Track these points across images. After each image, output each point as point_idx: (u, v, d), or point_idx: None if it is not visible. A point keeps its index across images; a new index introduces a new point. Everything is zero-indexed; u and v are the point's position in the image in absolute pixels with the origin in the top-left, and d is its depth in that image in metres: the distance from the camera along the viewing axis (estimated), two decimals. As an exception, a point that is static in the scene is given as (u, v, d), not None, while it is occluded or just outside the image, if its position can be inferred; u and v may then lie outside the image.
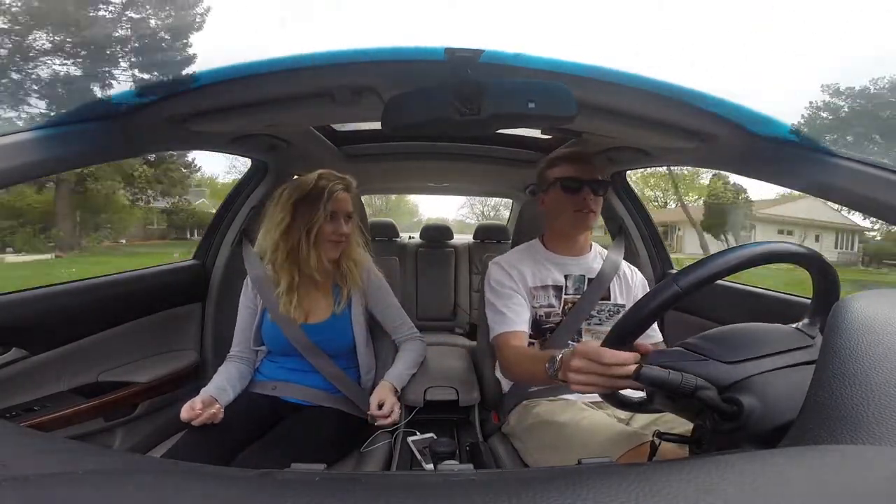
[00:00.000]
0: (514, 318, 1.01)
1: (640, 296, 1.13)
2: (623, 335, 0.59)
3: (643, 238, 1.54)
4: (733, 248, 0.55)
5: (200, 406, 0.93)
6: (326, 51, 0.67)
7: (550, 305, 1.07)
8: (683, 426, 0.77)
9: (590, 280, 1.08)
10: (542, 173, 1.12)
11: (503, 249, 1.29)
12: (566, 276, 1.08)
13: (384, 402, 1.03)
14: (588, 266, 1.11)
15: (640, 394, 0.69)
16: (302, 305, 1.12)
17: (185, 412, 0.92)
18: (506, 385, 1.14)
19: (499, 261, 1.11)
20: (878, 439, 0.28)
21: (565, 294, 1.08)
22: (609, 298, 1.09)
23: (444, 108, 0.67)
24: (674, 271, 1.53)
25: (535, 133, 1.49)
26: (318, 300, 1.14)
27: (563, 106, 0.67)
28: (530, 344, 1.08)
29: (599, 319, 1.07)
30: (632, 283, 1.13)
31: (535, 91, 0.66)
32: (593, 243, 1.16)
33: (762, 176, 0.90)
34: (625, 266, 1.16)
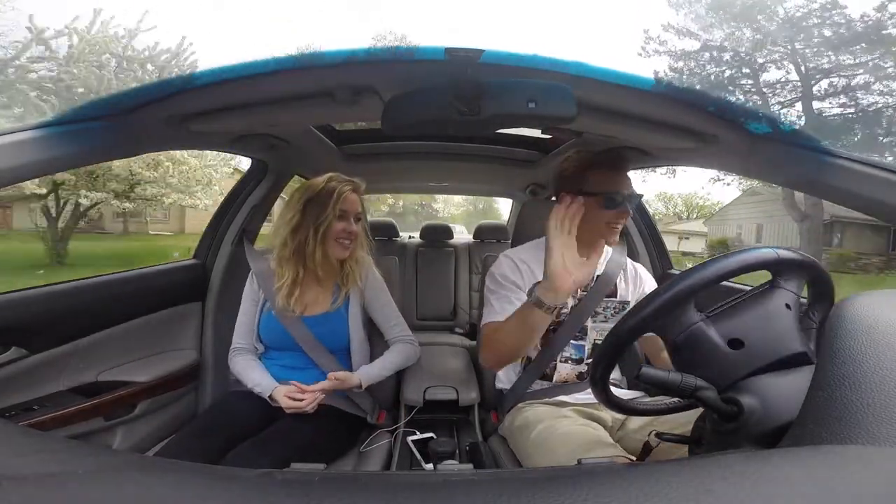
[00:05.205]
0: (509, 310, 0.95)
1: (647, 283, 1.13)
2: (617, 342, 0.59)
3: (643, 238, 1.55)
4: (728, 254, 0.55)
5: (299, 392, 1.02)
6: (326, 51, 0.67)
7: None
8: (683, 427, 0.77)
9: (597, 277, 1.08)
10: (575, 173, 1.01)
11: (503, 249, 1.29)
12: None
13: (337, 379, 1.06)
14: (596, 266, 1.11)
15: (634, 394, 0.69)
16: (302, 299, 1.14)
17: (293, 403, 1.01)
18: (505, 384, 1.14)
19: (509, 254, 1.09)
20: (878, 439, 0.28)
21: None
22: (615, 295, 1.09)
23: (444, 108, 0.67)
24: (674, 271, 1.54)
25: (536, 133, 1.48)
26: (317, 295, 1.17)
27: (563, 106, 0.67)
28: None
29: (605, 316, 1.07)
30: (637, 276, 1.14)
31: (535, 91, 0.66)
32: None
33: (762, 176, 0.90)
34: (629, 263, 1.16)
